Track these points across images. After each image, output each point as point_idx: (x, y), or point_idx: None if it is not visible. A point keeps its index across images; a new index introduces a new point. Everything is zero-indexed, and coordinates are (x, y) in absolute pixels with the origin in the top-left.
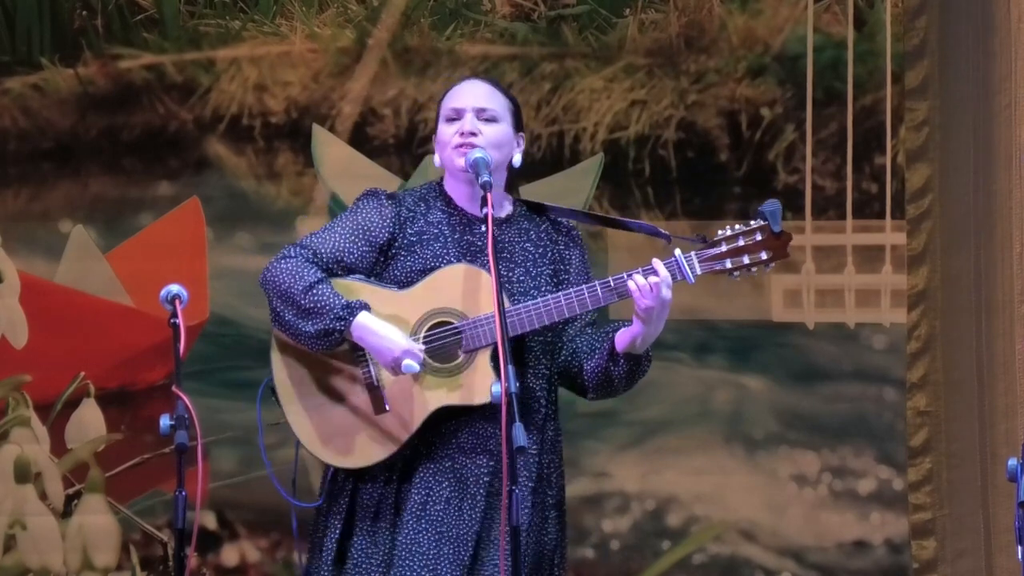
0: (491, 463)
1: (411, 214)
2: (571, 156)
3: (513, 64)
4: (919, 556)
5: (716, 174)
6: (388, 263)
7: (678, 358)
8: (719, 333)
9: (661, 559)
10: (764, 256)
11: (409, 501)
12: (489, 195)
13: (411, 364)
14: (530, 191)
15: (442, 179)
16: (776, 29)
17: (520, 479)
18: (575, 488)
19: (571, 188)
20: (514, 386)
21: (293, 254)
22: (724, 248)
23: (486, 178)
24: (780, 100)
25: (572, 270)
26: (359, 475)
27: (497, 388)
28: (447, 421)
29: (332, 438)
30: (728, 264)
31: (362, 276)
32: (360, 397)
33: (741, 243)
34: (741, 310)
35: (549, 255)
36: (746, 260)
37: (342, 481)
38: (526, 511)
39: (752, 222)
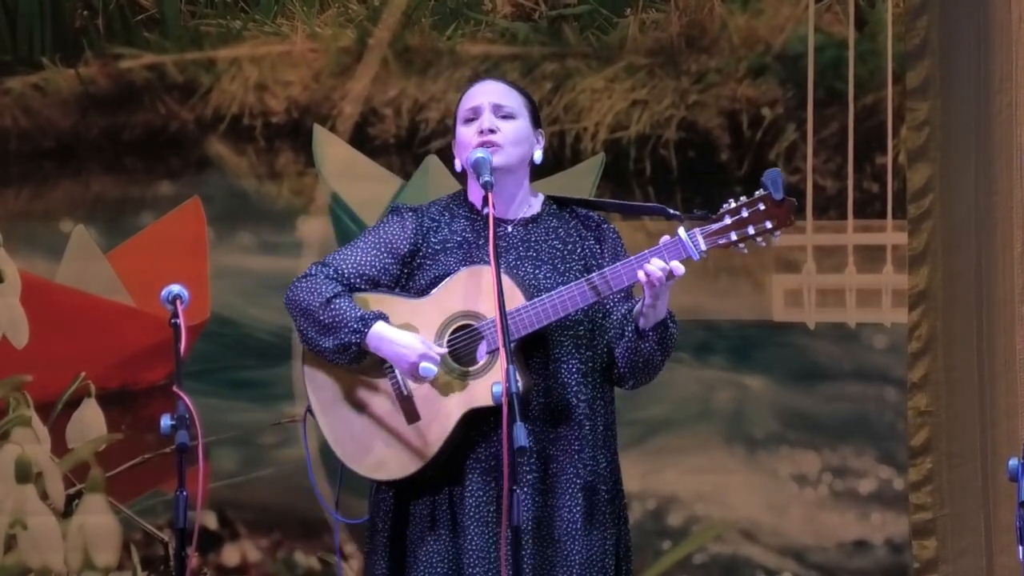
0: (532, 459)
1: (435, 223)
2: (572, 156)
3: (514, 64)
4: (920, 556)
5: (717, 174)
6: (413, 274)
7: (679, 358)
8: (720, 333)
9: (662, 559)
10: (769, 225)
11: (464, 505)
12: (491, 194)
13: (428, 367)
14: None
15: (466, 187)
16: (777, 29)
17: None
18: None
19: (572, 188)
20: (515, 386)
21: (313, 272)
22: (728, 221)
23: (487, 178)
24: (781, 100)
25: (606, 263)
26: (402, 486)
27: (498, 388)
28: (484, 421)
29: (372, 453)
30: (733, 236)
31: (385, 289)
32: (392, 409)
33: (745, 214)
34: (742, 310)
35: (579, 251)
36: (751, 231)
37: (384, 494)
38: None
39: (756, 192)
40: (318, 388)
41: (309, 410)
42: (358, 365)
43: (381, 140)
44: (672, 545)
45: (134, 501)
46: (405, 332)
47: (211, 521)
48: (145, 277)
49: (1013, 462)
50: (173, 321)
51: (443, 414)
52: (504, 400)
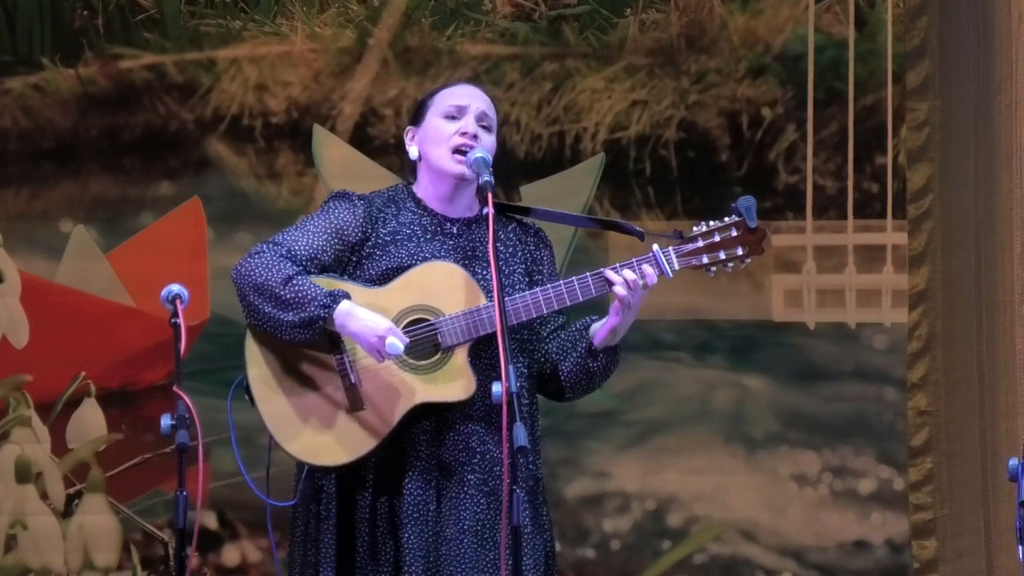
0: (475, 460)
1: (382, 215)
2: (572, 156)
3: (514, 64)
4: (920, 556)
5: (717, 174)
6: (361, 263)
7: (678, 358)
8: (720, 333)
9: (661, 559)
10: (740, 252)
11: (403, 503)
12: (490, 195)
13: (395, 343)
14: (531, 191)
15: (409, 182)
16: (777, 29)
17: (520, 478)
18: (576, 488)
19: (572, 188)
20: (515, 386)
21: (266, 250)
22: (700, 243)
23: (487, 178)
24: (781, 100)
25: (545, 270)
26: (344, 481)
27: (498, 388)
28: (427, 419)
29: (308, 437)
30: (704, 259)
31: (335, 275)
32: (337, 396)
33: (717, 239)
34: (742, 310)
35: (520, 254)
36: (722, 256)
37: (325, 484)
38: (527, 512)
39: (727, 218)
40: (261, 364)
41: (247, 388)
42: (308, 346)
43: (381, 140)
44: (672, 545)
45: (134, 501)
46: (371, 311)
47: (211, 521)
48: (145, 277)
49: (1013, 462)
50: (173, 321)
51: (389, 406)
52: (504, 400)
